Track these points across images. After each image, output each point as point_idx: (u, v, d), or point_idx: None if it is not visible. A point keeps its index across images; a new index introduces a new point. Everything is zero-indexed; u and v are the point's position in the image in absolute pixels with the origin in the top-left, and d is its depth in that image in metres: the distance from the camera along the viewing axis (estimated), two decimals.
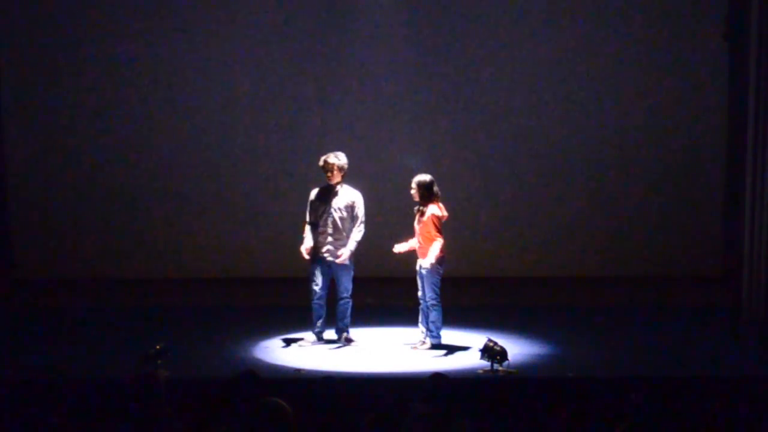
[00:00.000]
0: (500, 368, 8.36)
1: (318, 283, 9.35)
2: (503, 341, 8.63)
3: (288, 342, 9.51)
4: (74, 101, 12.55)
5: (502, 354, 8.36)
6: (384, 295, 11.53)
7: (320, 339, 9.46)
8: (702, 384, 7.97)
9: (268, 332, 9.83)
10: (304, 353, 9.19)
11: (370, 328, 10.12)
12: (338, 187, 9.32)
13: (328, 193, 9.33)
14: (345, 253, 9.25)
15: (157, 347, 8.16)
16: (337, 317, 9.43)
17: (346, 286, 9.38)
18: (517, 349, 9.00)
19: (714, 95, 12.44)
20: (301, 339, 9.48)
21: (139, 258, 12.63)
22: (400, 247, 9.37)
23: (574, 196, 12.67)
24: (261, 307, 11.34)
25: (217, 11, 12.50)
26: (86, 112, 12.56)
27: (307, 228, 9.38)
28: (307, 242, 9.34)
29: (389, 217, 12.12)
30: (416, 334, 9.40)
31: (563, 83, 12.55)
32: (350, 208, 9.31)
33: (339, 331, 9.46)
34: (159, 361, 8.06)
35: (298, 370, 8.54)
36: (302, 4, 12.55)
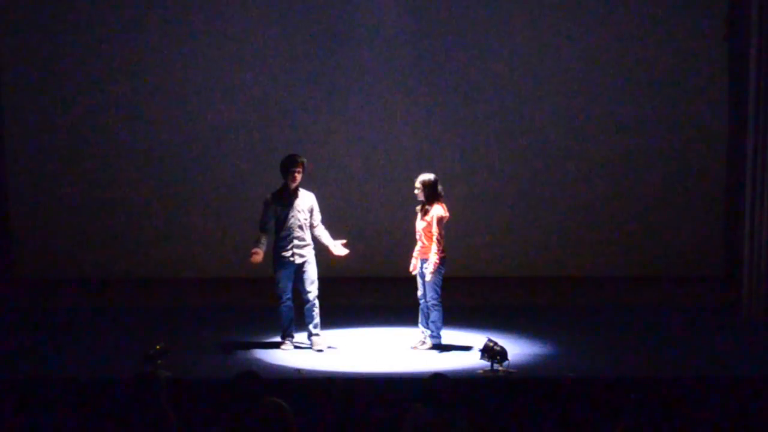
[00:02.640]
0: (500, 368, 8.36)
1: (284, 288, 9.25)
2: (503, 341, 8.63)
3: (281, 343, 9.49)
4: (74, 101, 12.53)
5: (502, 354, 8.36)
6: (384, 295, 11.54)
7: (293, 340, 9.34)
8: (702, 384, 7.96)
9: (268, 332, 9.82)
10: (304, 353, 9.18)
11: (370, 328, 10.13)
12: (298, 190, 9.24)
13: (289, 197, 9.22)
14: (340, 248, 9.28)
15: (157, 347, 8.17)
16: (306, 321, 9.28)
17: (312, 286, 9.24)
18: (517, 349, 9.00)
19: (714, 95, 12.43)
20: (282, 343, 9.40)
21: (139, 258, 12.62)
22: (412, 266, 9.35)
23: (574, 196, 12.65)
24: (261, 307, 11.31)
25: (220, 15, 12.50)
26: (86, 111, 12.54)
27: (263, 235, 9.24)
28: (260, 247, 9.17)
29: (391, 218, 12.17)
30: (416, 334, 9.40)
31: (564, 84, 12.54)
32: (311, 210, 9.27)
33: (310, 335, 9.29)
34: (159, 361, 8.06)
35: (298, 370, 8.53)
36: (304, 4, 12.55)
